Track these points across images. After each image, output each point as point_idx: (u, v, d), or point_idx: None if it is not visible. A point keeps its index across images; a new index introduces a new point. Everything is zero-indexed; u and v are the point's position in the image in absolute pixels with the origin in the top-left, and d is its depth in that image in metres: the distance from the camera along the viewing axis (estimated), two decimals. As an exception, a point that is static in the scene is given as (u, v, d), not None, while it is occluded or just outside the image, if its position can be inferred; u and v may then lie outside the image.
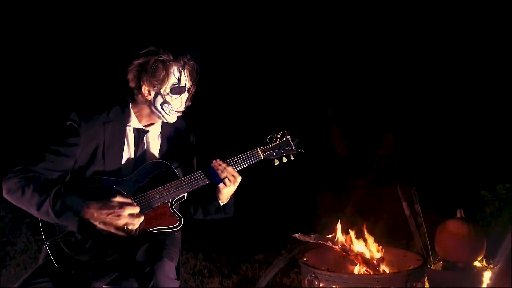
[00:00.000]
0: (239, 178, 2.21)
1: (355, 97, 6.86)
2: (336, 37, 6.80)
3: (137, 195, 2.11)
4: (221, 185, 2.19)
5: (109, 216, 1.95)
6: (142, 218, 2.02)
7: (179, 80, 2.17)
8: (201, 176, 2.19)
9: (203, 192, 2.24)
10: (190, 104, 2.27)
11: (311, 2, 6.78)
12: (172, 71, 2.16)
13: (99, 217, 1.95)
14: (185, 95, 2.22)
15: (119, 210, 1.97)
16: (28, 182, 1.98)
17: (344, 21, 6.72)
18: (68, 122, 2.17)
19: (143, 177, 2.15)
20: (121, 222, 1.97)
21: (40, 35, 7.03)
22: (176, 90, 2.18)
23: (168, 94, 2.17)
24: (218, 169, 2.18)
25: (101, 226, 1.96)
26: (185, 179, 2.17)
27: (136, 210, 2.01)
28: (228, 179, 2.18)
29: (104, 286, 2.07)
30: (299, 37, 6.97)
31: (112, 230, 1.97)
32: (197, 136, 2.43)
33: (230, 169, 2.19)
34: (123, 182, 2.13)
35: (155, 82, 2.15)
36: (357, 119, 6.81)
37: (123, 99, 2.25)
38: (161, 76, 2.14)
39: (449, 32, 6.30)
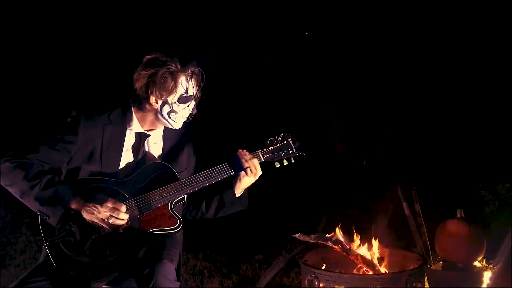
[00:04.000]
0: (260, 173, 2.27)
1: (356, 97, 6.85)
2: (336, 37, 6.80)
3: (137, 196, 2.11)
4: (242, 173, 2.24)
5: (92, 206, 1.98)
6: (125, 215, 2.02)
7: (186, 90, 2.18)
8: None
9: (219, 187, 2.29)
10: (196, 111, 2.28)
11: (311, 3, 6.78)
12: (180, 81, 2.16)
13: (83, 207, 1.99)
14: (192, 104, 2.23)
15: (103, 201, 1.99)
16: (21, 166, 2.02)
17: (344, 22, 6.71)
18: (68, 119, 2.17)
19: (143, 178, 2.15)
20: (103, 212, 1.98)
21: (51, 36, 7.08)
22: (184, 99, 2.19)
23: (175, 103, 2.18)
24: (243, 158, 2.24)
25: (84, 215, 1.99)
26: (185, 180, 2.18)
27: (120, 206, 2.02)
28: (250, 170, 2.24)
29: (103, 286, 2.07)
30: (298, 38, 6.97)
31: (95, 220, 1.99)
32: (198, 139, 2.44)
33: (255, 160, 2.25)
34: (123, 183, 2.13)
35: (164, 93, 2.15)
36: (357, 119, 6.81)
37: (127, 102, 2.26)
38: (170, 87, 2.14)
39: (449, 32, 6.30)
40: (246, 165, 2.23)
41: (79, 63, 7.13)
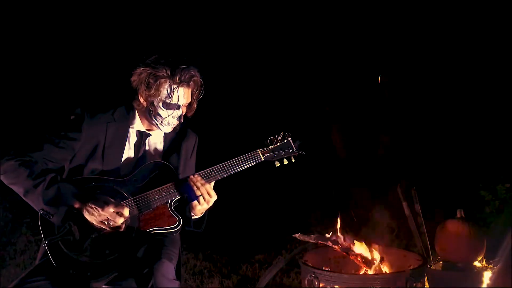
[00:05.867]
0: (214, 198, 2.16)
1: (355, 97, 6.85)
2: (335, 37, 6.80)
3: (136, 195, 2.12)
4: (195, 202, 2.14)
5: (94, 208, 1.97)
6: (123, 219, 2.01)
7: (170, 97, 2.16)
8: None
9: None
10: (183, 120, 2.26)
11: (310, 3, 6.79)
12: (164, 87, 2.16)
13: (85, 207, 1.98)
14: (177, 112, 2.21)
15: (104, 204, 1.98)
16: (25, 164, 2.02)
17: (343, 22, 6.72)
18: (72, 117, 2.18)
19: (143, 177, 2.16)
20: (104, 216, 1.98)
21: (55, 35, 7.10)
22: (167, 105, 2.18)
23: (159, 107, 2.18)
24: (194, 185, 2.13)
25: (86, 216, 1.99)
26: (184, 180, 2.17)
27: (122, 209, 2.01)
28: (203, 197, 2.13)
29: (103, 286, 2.07)
30: (298, 37, 6.97)
31: (95, 223, 2.00)
32: (198, 137, 2.44)
33: (207, 186, 2.14)
34: (123, 182, 2.14)
35: (147, 93, 2.17)
36: (356, 119, 6.81)
37: (129, 100, 2.27)
38: (152, 90, 2.15)
39: (449, 32, 6.30)
40: (198, 193, 2.12)
41: (83, 61, 7.15)
